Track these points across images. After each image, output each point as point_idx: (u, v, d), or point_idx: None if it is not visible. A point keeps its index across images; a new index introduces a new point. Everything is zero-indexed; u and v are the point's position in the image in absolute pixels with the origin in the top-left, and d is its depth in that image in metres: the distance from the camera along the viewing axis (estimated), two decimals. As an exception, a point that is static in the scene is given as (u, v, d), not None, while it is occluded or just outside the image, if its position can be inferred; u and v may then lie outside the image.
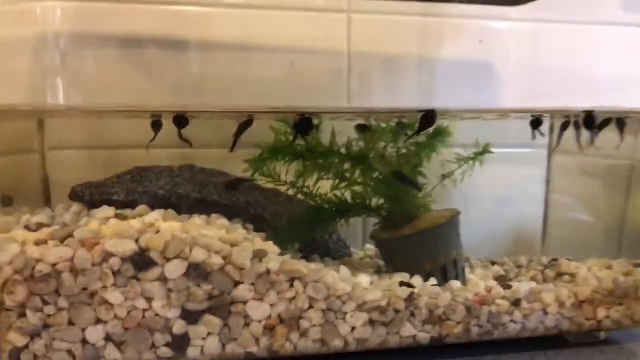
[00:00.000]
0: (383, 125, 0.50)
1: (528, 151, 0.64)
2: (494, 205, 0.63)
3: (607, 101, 0.49)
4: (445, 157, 0.52)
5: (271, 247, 0.41)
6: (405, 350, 0.43)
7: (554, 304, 0.44)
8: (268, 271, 0.39)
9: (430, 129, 0.47)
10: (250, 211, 0.48)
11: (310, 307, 0.40)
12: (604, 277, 0.47)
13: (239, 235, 0.41)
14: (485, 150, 0.52)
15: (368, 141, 0.49)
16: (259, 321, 0.39)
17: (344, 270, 0.44)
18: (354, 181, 0.49)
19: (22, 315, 0.36)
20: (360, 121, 0.50)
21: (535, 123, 0.50)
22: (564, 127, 0.51)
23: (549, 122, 0.55)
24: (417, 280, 0.45)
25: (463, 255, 0.49)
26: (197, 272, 0.38)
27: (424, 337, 0.42)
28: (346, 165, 0.49)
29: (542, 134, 0.50)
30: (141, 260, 0.37)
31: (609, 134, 0.50)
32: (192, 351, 0.38)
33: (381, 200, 0.50)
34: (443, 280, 0.46)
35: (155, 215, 0.41)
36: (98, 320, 0.37)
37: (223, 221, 0.44)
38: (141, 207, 0.43)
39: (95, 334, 0.37)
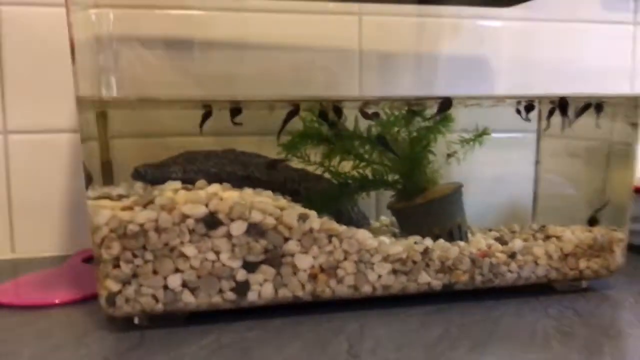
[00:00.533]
0: (396, 113, 0.59)
1: (520, 136, 0.73)
2: (491, 183, 0.71)
3: (589, 90, 0.57)
4: (450, 140, 0.61)
5: (312, 212, 0.49)
6: (422, 296, 0.52)
7: (544, 256, 0.53)
8: (311, 230, 0.48)
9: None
10: (287, 186, 0.56)
11: (345, 259, 0.48)
12: (584, 237, 0.56)
13: (285, 202, 0.49)
14: (484, 132, 0.61)
15: (384, 126, 0.58)
16: (305, 270, 0.48)
17: (369, 233, 0.53)
18: (372, 161, 0.58)
19: (117, 266, 0.44)
20: (374, 110, 0.59)
21: (528, 108, 0.59)
22: (551, 113, 0.60)
23: (537, 109, 0.64)
24: (428, 241, 0.53)
25: (466, 221, 0.58)
26: (255, 230, 0.46)
27: (437, 284, 0.51)
28: (366, 147, 0.58)
29: (528, 120, 0.59)
30: (211, 221, 0.46)
31: (590, 119, 0.59)
32: (251, 295, 0.47)
33: (396, 176, 0.58)
34: (450, 242, 0.55)
35: (216, 187, 0.49)
36: (177, 270, 0.45)
37: (268, 193, 0.52)
38: (201, 182, 0.51)
39: (174, 281, 0.45)
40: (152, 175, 0.54)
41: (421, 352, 0.42)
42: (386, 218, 0.65)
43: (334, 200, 0.58)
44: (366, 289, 0.49)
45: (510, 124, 0.65)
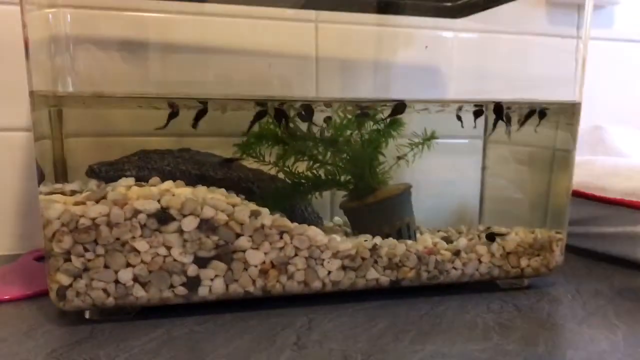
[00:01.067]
0: (349, 116, 0.61)
1: (467, 142, 0.75)
2: (440, 187, 0.74)
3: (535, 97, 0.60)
4: (400, 143, 0.63)
5: (264, 209, 0.51)
6: (371, 292, 0.53)
7: (487, 254, 0.56)
8: (263, 226, 0.49)
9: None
10: (241, 185, 0.57)
11: (296, 255, 0.50)
12: (526, 237, 0.59)
13: (238, 199, 0.50)
14: (432, 137, 0.63)
15: (337, 129, 0.59)
16: (255, 266, 0.49)
17: (319, 229, 0.54)
18: (325, 162, 0.60)
19: (68, 260, 0.45)
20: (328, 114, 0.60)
21: (477, 113, 0.61)
22: (496, 119, 0.62)
23: (484, 116, 0.66)
24: (377, 239, 0.55)
25: (415, 221, 0.60)
26: (207, 226, 0.47)
27: (384, 280, 0.53)
28: (320, 149, 0.59)
29: (474, 125, 0.62)
30: (163, 216, 0.46)
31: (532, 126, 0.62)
32: (202, 290, 0.48)
33: (348, 177, 0.60)
34: (398, 240, 0.56)
35: (168, 184, 0.50)
36: (128, 265, 0.46)
37: (221, 191, 0.53)
38: (154, 179, 0.52)
39: (125, 275, 0.46)
40: (106, 172, 0.55)
41: (366, 343, 0.44)
42: (339, 219, 0.67)
43: (287, 199, 0.59)
44: (316, 285, 0.51)
45: (460, 131, 0.67)
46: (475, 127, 0.62)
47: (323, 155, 0.59)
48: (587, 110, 0.61)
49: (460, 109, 0.62)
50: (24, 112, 0.69)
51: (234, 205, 0.49)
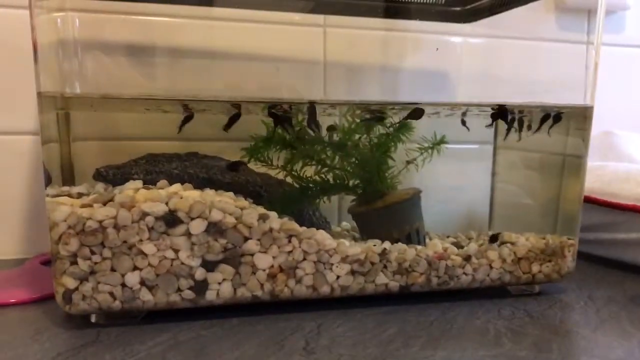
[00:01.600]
0: (357, 120, 0.60)
1: (477, 147, 0.75)
2: (449, 192, 0.73)
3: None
4: (409, 148, 0.63)
5: (272, 212, 0.50)
6: (380, 297, 0.53)
7: (498, 260, 0.55)
8: (271, 229, 0.48)
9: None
10: (249, 188, 0.57)
11: (304, 259, 0.49)
12: (537, 243, 0.58)
13: (246, 202, 0.50)
14: (442, 141, 0.63)
15: (346, 133, 0.59)
16: (264, 270, 0.48)
17: (328, 234, 0.53)
18: (334, 166, 0.59)
19: (74, 263, 0.44)
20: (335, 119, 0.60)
21: (496, 115, 0.60)
22: (510, 123, 0.62)
23: (494, 123, 0.66)
24: (386, 243, 0.54)
25: (424, 226, 0.60)
26: (215, 229, 0.47)
27: (394, 285, 0.52)
28: (328, 153, 0.59)
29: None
30: (170, 219, 0.46)
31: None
32: (210, 294, 0.47)
33: (357, 181, 0.60)
34: (408, 245, 0.56)
35: (176, 187, 0.50)
36: (135, 268, 0.45)
37: (229, 194, 0.53)
38: (162, 182, 0.51)
39: (132, 278, 0.45)
40: (113, 175, 0.54)
41: (376, 349, 0.43)
42: (347, 224, 0.66)
43: (295, 203, 0.58)
44: (325, 289, 0.50)
45: (469, 136, 0.67)
46: (492, 125, 0.61)
47: (331, 159, 0.59)
48: (596, 115, 0.61)
49: (464, 113, 0.61)
50: (31, 116, 0.69)
51: (242, 208, 0.48)
